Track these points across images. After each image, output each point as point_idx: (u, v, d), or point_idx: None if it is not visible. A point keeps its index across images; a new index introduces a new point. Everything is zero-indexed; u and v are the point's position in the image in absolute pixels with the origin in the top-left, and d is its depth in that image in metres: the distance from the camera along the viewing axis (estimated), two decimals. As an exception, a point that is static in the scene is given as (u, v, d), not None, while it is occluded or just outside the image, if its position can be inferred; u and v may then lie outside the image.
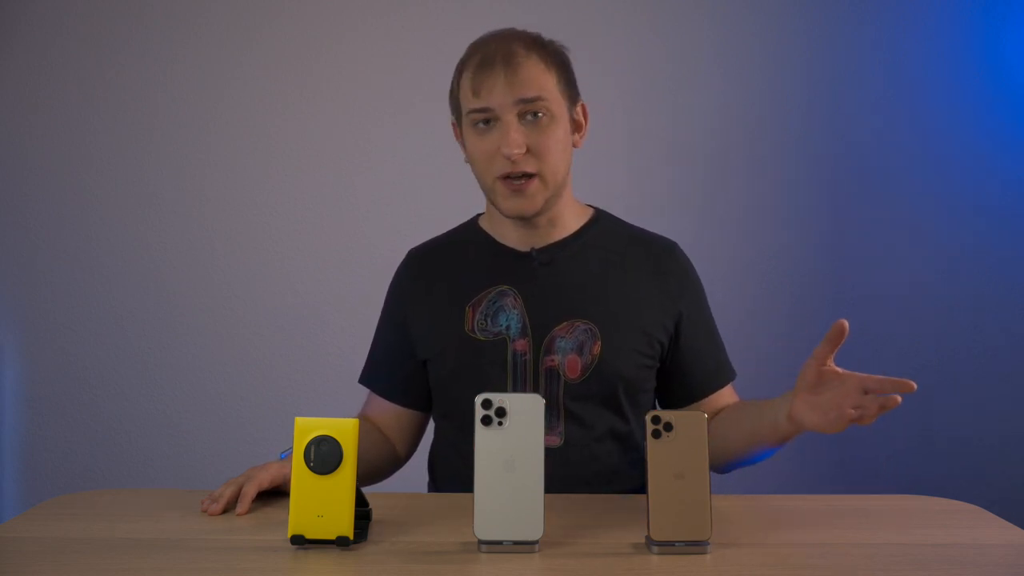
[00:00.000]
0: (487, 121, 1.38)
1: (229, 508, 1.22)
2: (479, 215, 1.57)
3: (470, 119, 1.40)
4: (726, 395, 1.52)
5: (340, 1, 2.49)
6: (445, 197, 2.44)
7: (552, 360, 1.42)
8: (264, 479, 1.25)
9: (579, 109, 1.46)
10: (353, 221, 2.50)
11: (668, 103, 2.50)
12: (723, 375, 1.53)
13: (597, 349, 1.42)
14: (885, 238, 2.50)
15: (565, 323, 1.43)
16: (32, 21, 2.46)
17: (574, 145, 1.45)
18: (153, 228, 2.49)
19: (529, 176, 1.38)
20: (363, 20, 2.50)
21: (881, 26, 2.49)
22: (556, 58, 1.42)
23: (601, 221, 1.53)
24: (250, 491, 1.23)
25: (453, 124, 1.49)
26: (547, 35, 1.46)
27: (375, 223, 2.49)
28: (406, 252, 1.60)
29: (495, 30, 1.45)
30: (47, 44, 2.47)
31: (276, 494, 1.28)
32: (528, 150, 1.36)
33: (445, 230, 1.61)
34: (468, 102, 1.39)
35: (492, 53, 1.39)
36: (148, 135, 2.48)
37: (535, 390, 1.41)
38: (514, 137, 1.35)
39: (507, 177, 1.38)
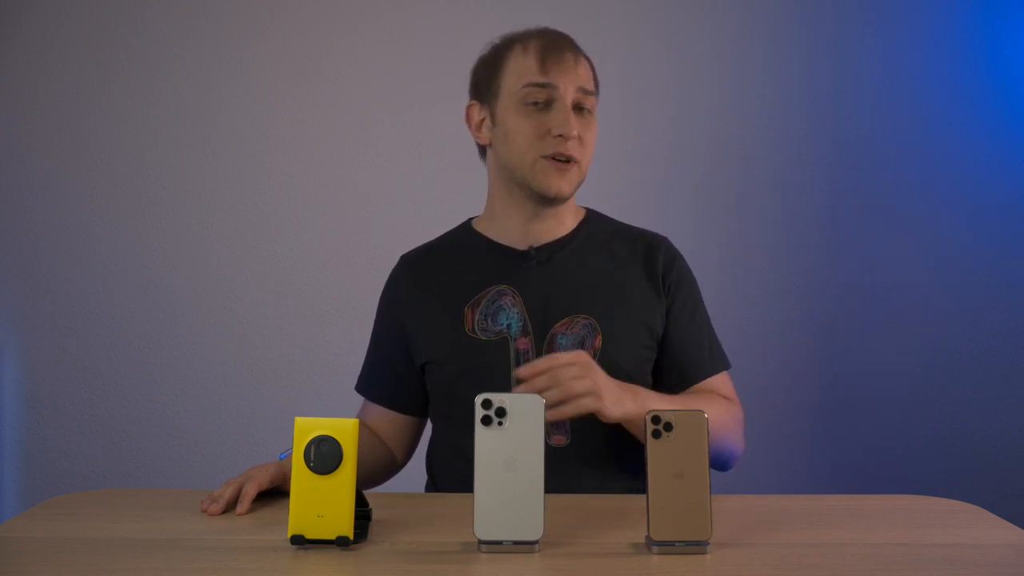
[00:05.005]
0: (539, 102, 1.41)
1: (229, 508, 1.22)
2: (471, 219, 1.58)
3: (523, 95, 1.41)
4: (718, 384, 1.51)
5: (341, 1, 2.49)
6: (445, 197, 2.45)
7: None
8: (264, 479, 1.26)
9: None
10: (353, 221, 2.50)
11: (667, 103, 2.50)
12: (713, 364, 1.52)
13: (599, 343, 1.43)
14: (883, 238, 2.50)
15: (565, 319, 1.44)
16: (32, 21, 2.46)
17: None
18: (153, 228, 2.49)
19: (572, 161, 1.41)
20: (363, 21, 2.50)
21: (881, 26, 2.49)
22: (594, 67, 1.49)
23: (593, 220, 1.56)
24: (250, 491, 1.23)
25: (471, 106, 1.50)
26: None
27: (376, 223, 2.49)
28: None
29: (537, 26, 1.48)
30: (47, 44, 2.47)
31: (276, 494, 1.28)
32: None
33: (445, 229, 1.61)
34: (529, 76, 1.41)
35: (558, 39, 1.45)
36: (148, 135, 2.48)
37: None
38: (574, 120, 1.40)
39: (553, 157, 1.40)
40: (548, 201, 1.45)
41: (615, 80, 2.50)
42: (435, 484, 1.55)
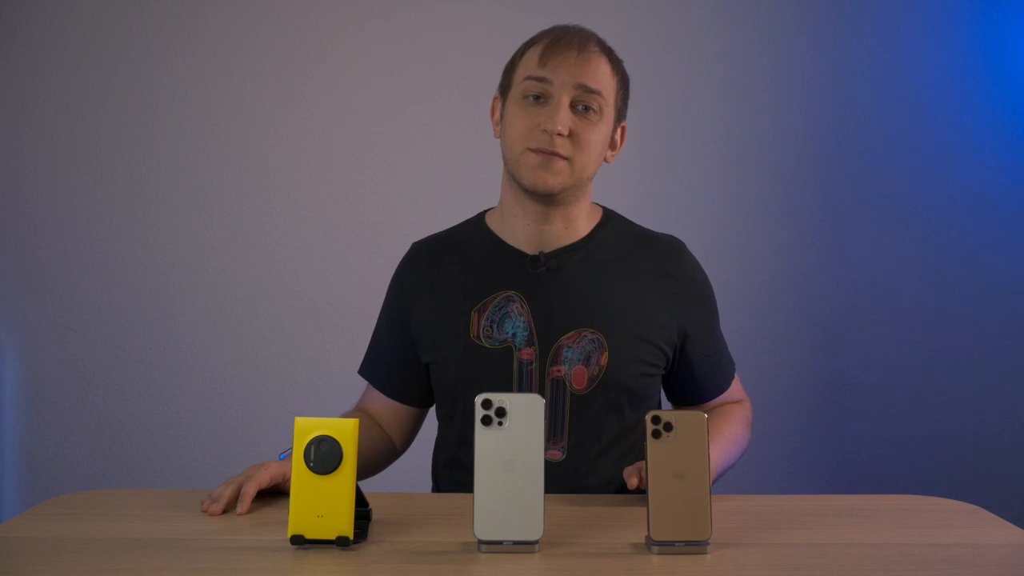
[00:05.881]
0: (538, 97, 1.39)
1: (229, 508, 1.22)
2: (484, 212, 1.55)
3: (523, 88, 1.40)
4: (731, 392, 1.55)
5: (342, 1, 2.49)
6: (447, 197, 2.45)
7: (559, 370, 1.40)
8: (264, 478, 1.25)
9: (620, 128, 1.48)
10: (354, 221, 2.50)
11: (666, 102, 2.50)
12: (730, 372, 1.54)
13: (604, 360, 1.40)
14: (884, 238, 2.50)
15: (572, 332, 1.41)
16: (32, 21, 2.46)
17: (605, 160, 1.45)
18: (153, 228, 2.49)
19: (561, 157, 1.38)
20: (365, 20, 2.49)
21: (881, 25, 2.49)
22: (622, 71, 1.46)
23: (608, 223, 1.51)
24: (250, 491, 1.22)
25: (495, 98, 1.48)
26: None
27: (376, 223, 2.49)
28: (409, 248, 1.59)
29: (568, 24, 1.47)
30: (47, 44, 2.47)
31: (276, 494, 1.28)
32: (570, 134, 1.38)
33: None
34: (529, 69, 1.40)
35: (570, 36, 1.42)
36: (148, 135, 2.48)
37: None
38: (563, 116, 1.37)
39: (538, 150, 1.38)
40: (538, 197, 1.41)
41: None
42: (437, 487, 1.55)
